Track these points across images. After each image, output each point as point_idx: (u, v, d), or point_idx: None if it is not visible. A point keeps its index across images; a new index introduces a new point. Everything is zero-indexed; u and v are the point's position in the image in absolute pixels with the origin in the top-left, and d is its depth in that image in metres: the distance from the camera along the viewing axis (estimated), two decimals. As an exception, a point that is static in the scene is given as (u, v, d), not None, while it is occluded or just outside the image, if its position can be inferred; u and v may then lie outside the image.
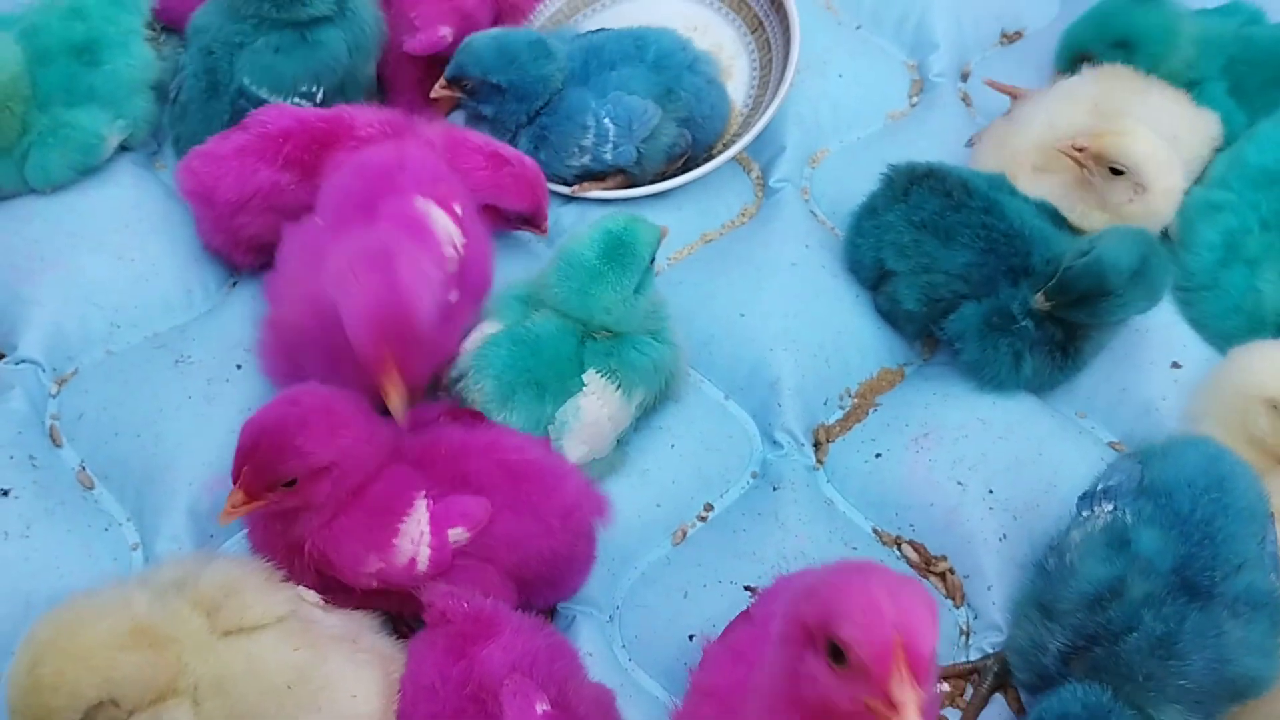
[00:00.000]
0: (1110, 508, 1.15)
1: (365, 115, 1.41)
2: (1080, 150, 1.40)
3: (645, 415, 1.34)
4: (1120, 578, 1.08)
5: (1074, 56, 1.60)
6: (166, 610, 0.99)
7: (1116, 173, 1.40)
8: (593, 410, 1.24)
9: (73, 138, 1.46)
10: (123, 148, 1.54)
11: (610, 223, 1.27)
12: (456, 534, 1.09)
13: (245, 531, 1.15)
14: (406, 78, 1.59)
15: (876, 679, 0.76)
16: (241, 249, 1.42)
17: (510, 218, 1.45)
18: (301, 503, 1.05)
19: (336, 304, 1.07)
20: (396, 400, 1.08)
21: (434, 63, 1.55)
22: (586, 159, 1.50)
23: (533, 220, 1.45)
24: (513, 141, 1.50)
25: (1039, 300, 1.32)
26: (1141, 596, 1.07)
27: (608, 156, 1.49)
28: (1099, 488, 1.19)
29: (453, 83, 1.48)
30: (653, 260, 1.28)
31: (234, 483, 1.04)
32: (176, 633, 0.98)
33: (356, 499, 1.08)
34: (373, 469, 1.09)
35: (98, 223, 1.48)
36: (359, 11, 1.49)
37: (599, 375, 1.25)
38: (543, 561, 1.13)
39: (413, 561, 1.07)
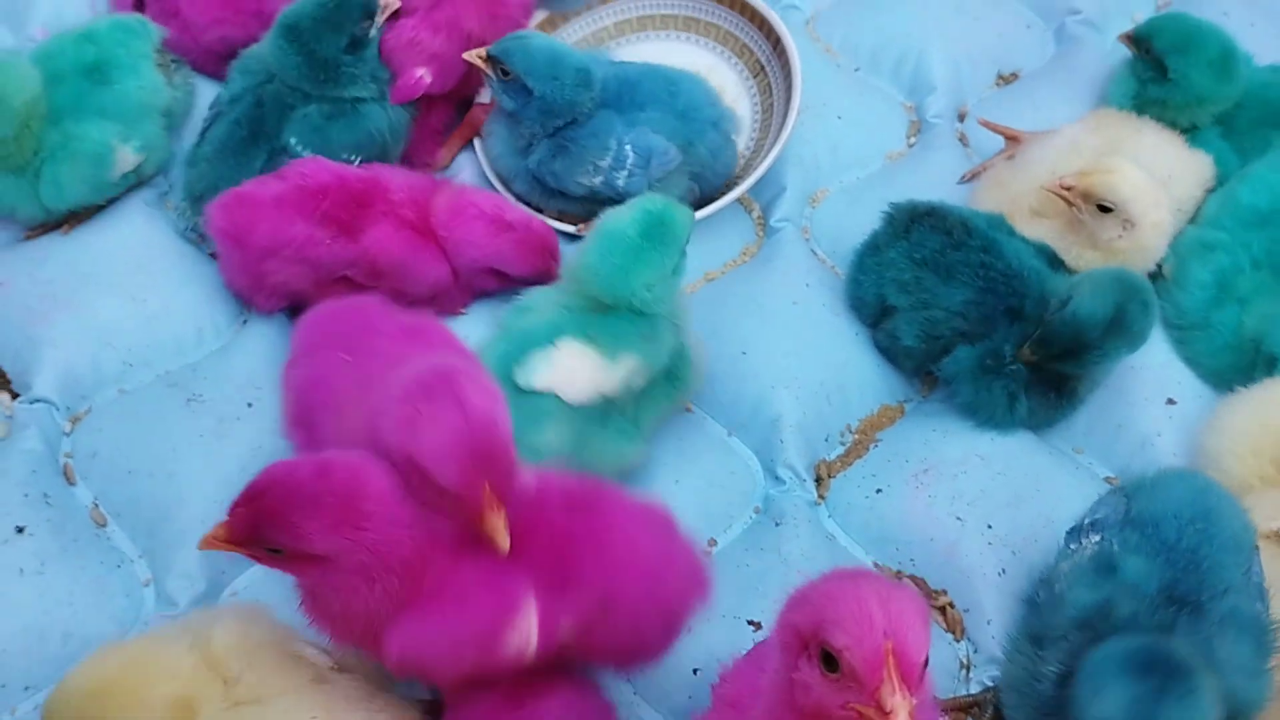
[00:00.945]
0: (1097, 539, 1.17)
1: (398, 178, 1.45)
2: (1068, 189, 1.42)
3: (656, 413, 1.33)
4: (1107, 600, 1.10)
5: (1142, 39, 1.61)
6: (196, 675, 0.98)
7: (1105, 210, 1.42)
8: (564, 362, 1.24)
9: (83, 150, 1.48)
10: (135, 181, 1.56)
11: (649, 202, 1.27)
12: (566, 631, 1.03)
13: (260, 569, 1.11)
14: (418, 134, 1.63)
15: (868, 686, 0.76)
16: (265, 293, 1.45)
17: (515, 279, 1.47)
18: (290, 572, 0.99)
19: (408, 452, 0.97)
20: (500, 528, 0.98)
21: (429, 105, 1.60)
22: (598, 180, 1.51)
23: (542, 280, 1.45)
24: (529, 147, 1.52)
25: (1025, 353, 1.35)
26: (1128, 615, 1.08)
27: (619, 182, 1.50)
28: (1086, 521, 1.21)
29: (493, 60, 1.48)
30: (687, 243, 1.29)
31: (229, 512, 0.97)
32: (201, 697, 0.98)
33: (441, 589, 0.99)
34: (426, 558, 0.99)
35: (110, 263, 1.50)
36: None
37: (573, 338, 1.25)
38: (624, 653, 1.11)
39: (518, 655, 1.01)
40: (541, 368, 1.24)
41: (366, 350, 1.21)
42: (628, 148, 1.49)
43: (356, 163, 1.51)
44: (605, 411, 1.28)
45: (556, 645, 1.03)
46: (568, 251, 1.52)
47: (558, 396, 1.24)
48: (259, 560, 0.97)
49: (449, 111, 1.66)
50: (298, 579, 1.01)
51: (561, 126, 1.50)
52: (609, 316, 1.26)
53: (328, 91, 1.50)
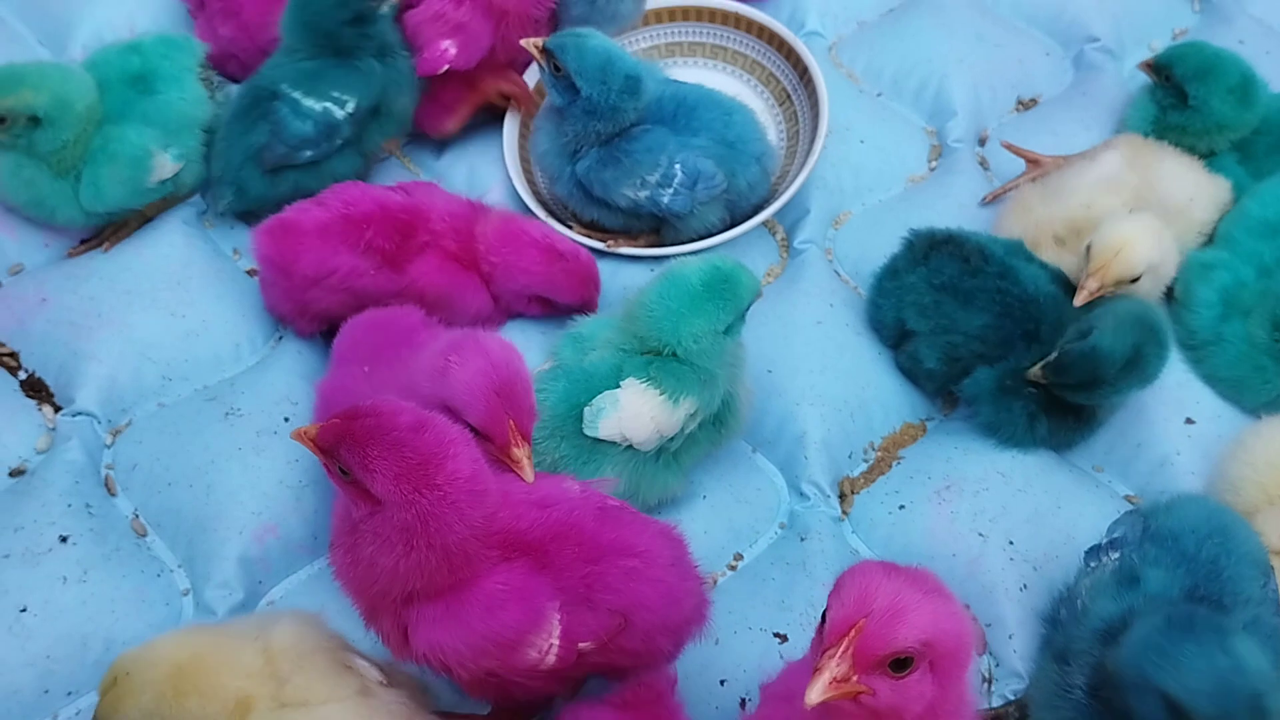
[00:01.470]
0: (1117, 555, 1.20)
1: (438, 205, 1.46)
2: (1098, 289, 1.38)
3: (697, 452, 1.36)
4: (1130, 610, 1.12)
5: (1163, 66, 1.63)
6: (259, 674, 1.01)
7: (1134, 280, 1.41)
8: (631, 403, 1.26)
9: (122, 152, 1.52)
10: (172, 190, 1.60)
11: (720, 260, 1.29)
12: (585, 646, 1.07)
13: (332, 566, 1.10)
14: (426, 104, 1.65)
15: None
16: (307, 318, 1.47)
17: (559, 306, 1.49)
18: (349, 498, 1.02)
19: (441, 396, 1.12)
20: (525, 459, 1.10)
21: (446, 82, 1.62)
22: (644, 194, 1.52)
23: (583, 309, 1.48)
24: (577, 152, 1.53)
25: (1035, 372, 1.36)
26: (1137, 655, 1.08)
27: (664, 199, 1.52)
28: (1105, 540, 1.24)
29: (548, 52, 1.48)
30: (747, 309, 1.30)
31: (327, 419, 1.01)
32: (256, 696, 1.00)
33: (471, 588, 1.03)
34: (469, 556, 1.02)
35: (151, 280, 1.53)
36: (400, 59, 1.57)
37: (637, 380, 1.27)
38: (629, 666, 1.12)
39: (536, 662, 1.05)
40: (610, 410, 1.26)
41: (392, 361, 1.26)
42: (677, 166, 1.51)
43: (351, 106, 1.53)
44: (658, 450, 1.31)
45: (575, 658, 1.06)
46: (618, 281, 1.56)
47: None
48: (329, 473, 1.01)
49: (462, 86, 1.66)
50: (336, 528, 1.05)
51: (613, 135, 1.51)
52: (669, 361, 1.28)
53: (323, 56, 1.52)
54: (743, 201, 1.59)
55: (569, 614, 1.05)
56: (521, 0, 1.60)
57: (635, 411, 1.26)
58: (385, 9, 1.52)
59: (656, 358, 1.28)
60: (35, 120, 1.46)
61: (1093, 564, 1.23)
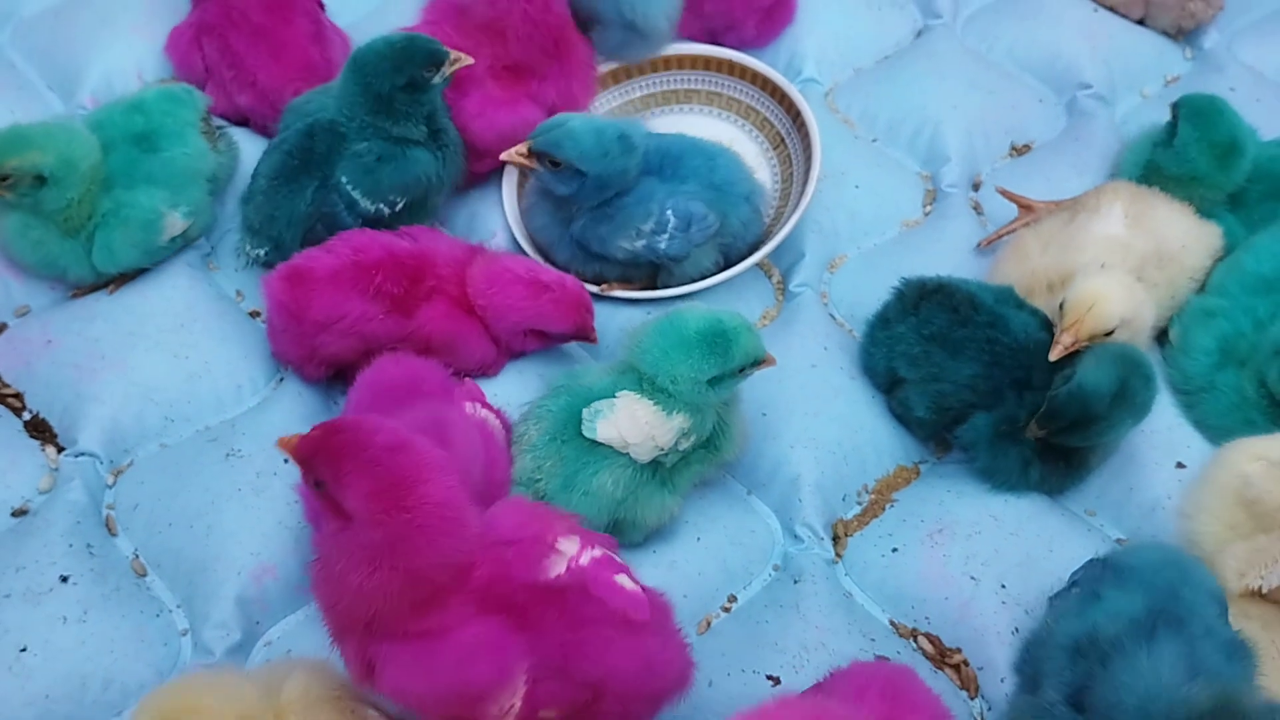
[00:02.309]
0: (1078, 591, 1.22)
1: (442, 250, 1.49)
2: (1072, 345, 1.40)
3: (692, 474, 1.38)
4: (1094, 625, 1.14)
5: (1176, 104, 1.65)
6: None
7: (1108, 334, 1.42)
8: (627, 407, 1.30)
9: (134, 216, 1.55)
10: (182, 244, 1.63)
11: (726, 315, 1.31)
12: (548, 714, 1.06)
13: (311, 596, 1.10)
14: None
15: None
16: (315, 364, 1.49)
17: (555, 336, 1.52)
18: (321, 511, 1.04)
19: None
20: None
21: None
22: (640, 244, 1.55)
23: (580, 336, 1.51)
24: (574, 217, 1.56)
25: (1033, 429, 1.38)
26: (1113, 636, 1.11)
27: (661, 246, 1.55)
28: (1067, 584, 1.26)
29: (539, 155, 1.51)
30: (742, 371, 1.32)
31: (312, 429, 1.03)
32: None
33: (444, 638, 1.02)
34: (438, 589, 1.02)
35: (155, 322, 1.55)
36: (450, 146, 1.60)
37: (631, 392, 1.31)
38: None
39: (497, 717, 1.05)
40: (607, 412, 1.30)
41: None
42: (669, 212, 1.54)
43: (400, 206, 1.56)
44: (654, 467, 1.34)
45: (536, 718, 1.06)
46: (615, 324, 1.59)
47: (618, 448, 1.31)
48: (306, 483, 1.03)
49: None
50: (316, 543, 1.06)
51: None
52: (666, 392, 1.31)
53: (379, 123, 1.54)
54: (738, 242, 1.61)
55: (538, 681, 1.04)
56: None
57: (630, 414, 1.30)
58: (437, 79, 1.54)
59: (650, 382, 1.32)
60: (40, 180, 1.49)
61: (1056, 604, 1.25)
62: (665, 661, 1.11)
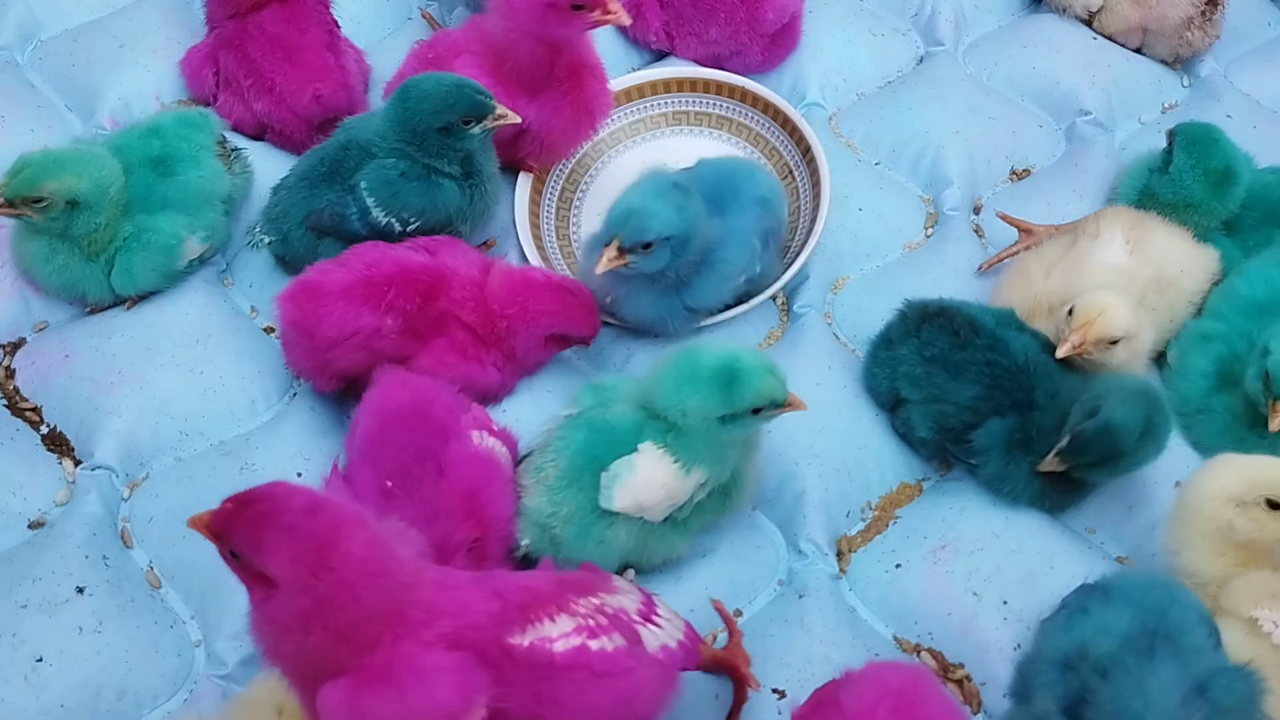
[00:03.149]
0: (1065, 611, 1.24)
1: (461, 273, 1.48)
2: (1080, 345, 1.42)
3: (704, 519, 1.39)
4: (1084, 640, 1.16)
5: (1173, 131, 1.68)
6: None
7: (1113, 342, 1.45)
8: (647, 468, 1.29)
9: (155, 241, 1.58)
10: (199, 266, 1.66)
11: (745, 354, 1.30)
12: None
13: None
14: None
15: None
16: (326, 376, 1.50)
17: (569, 341, 1.53)
18: (243, 582, 1.02)
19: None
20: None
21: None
22: (742, 280, 1.58)
23: (589, 341, 1.53)
24: (680, 287, 1.53)
25: (1053, 463, 1.39)
26: (1104, 653, 1.13)
27: (756, 271, 1.58)
28: (1059, 605, 1.27)
29: (629, 249, 1.45)
30: (757, 412, 1.30)
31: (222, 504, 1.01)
32: None
33: (405, 662, 1.01)
34: (377, 636, 1.01)
35: (171, 338, 1.58)
36: (483, 186, 1.61)
37: (655, 445, 1.30)
38: None
39: None
40: (625, 476, 1.29)
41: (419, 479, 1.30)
42: (755, 240, 1.57)
43: (414, 226, 1.56)
44: (668, 515, 1.35)
45: None
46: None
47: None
48: (224, 557, 1.01)
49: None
50: (249, 595, 1.04)
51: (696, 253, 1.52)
52: (684, 432, 1.30)
53: (410, 152, 1.55)
54: (760, 283, 1.63)
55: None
56: None
57: (649, 477, 1.29)
58: (476, 130, 1.54)
59: (673, 426, 1.31)
60: (72, 204, 1.51)
61: (1046, 625, 1.27)
62: (636, 687, 1.12)
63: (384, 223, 1.56)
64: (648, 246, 1.45)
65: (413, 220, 1.57)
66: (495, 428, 1.42)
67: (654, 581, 1.40)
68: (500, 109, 1.53)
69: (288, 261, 1.64)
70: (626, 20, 1.56)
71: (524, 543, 1.34)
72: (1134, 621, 1.15)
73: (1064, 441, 1.38)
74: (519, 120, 1.56)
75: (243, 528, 0.98)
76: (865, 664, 1.15)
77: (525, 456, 1.40)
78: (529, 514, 1.33)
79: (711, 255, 1.54)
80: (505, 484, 1.35)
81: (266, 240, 1.63)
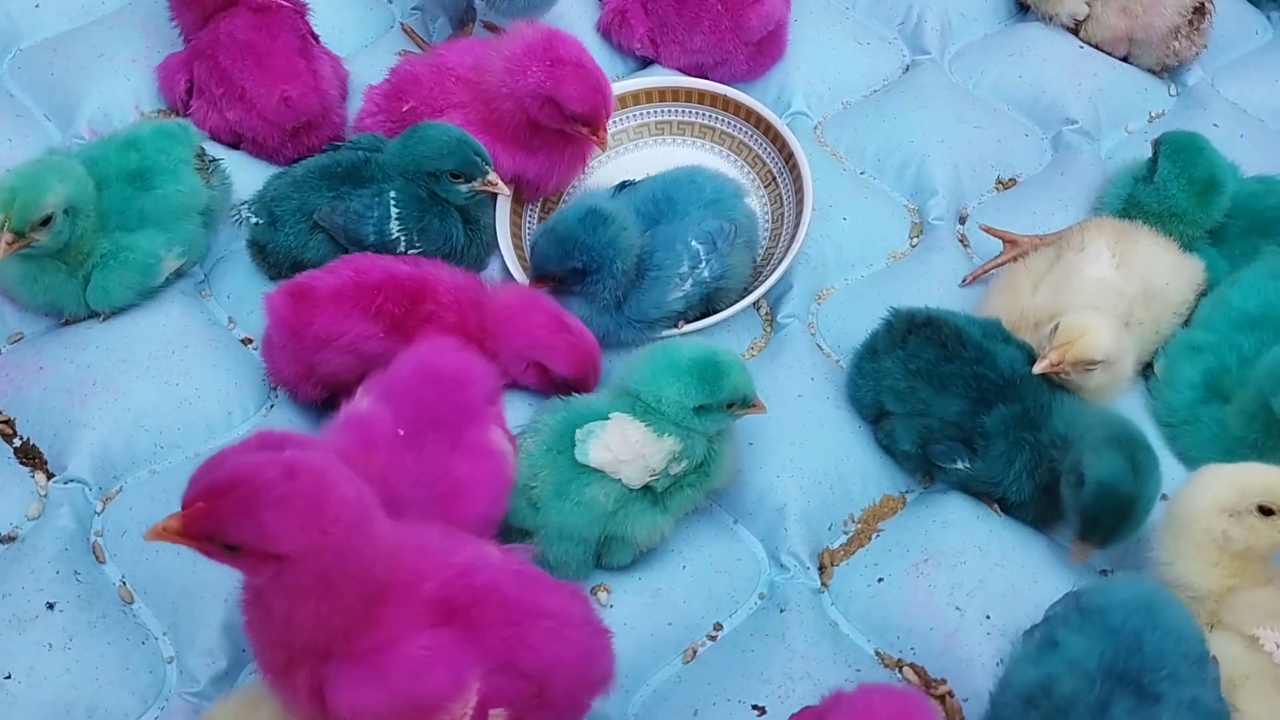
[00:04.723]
0: (1045, 628, 1.22)
1: (445, 280, 1.50)
2: (1058, 365, 1.42)
3: (683, 499, 1.40)
4: (1049, 676, 1.14)
5: (1158, 140, 1.67)
6: None
7: (1091, 365, 1.43)
8: (619, 426, 1.34)
9: (133, 260, 1.56)
10: (175, 280, 1.64)
11: (724, 352, 1.37)
12: (497, 714, 1.08)
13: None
14: None
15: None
16: (311, 382, 1.49)
17: (554, 380, 1.51)
18: (244, 570, 1.02)
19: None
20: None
21: None
22: (688, 285, 1.58)
23: (580, 388, 1.51)
24: (620, 304, 1.57)
25: (1082, 551, 1.37)
26: (1069, 693, 1.12)
27: (705, 275, 1.58)
28: (1041, 620, 1.25)
29: (542, 279, 1.56)
30: (730, 406, 1.36)
31: (181, 507, 0.98)
32: None
33: (395, 650, 1.03)
34: (386, 580, 1.04)
35: (146, 349, 1.56)
36: (480, 235, 1.65)
37: (623, 414, 1.35)
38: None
39: None
40: (599, 433, 1.34)
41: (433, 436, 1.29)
42: (693, 243, 1.57)
43: (417, 250, 1.58)
44: (644, 488, 1.36)
45: None
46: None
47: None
48: (210, 555, 0.99)
49: None
50: (246, 581, 1.04)
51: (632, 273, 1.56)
52: (659, 414, 1.35)
53: (418, 178, 1.59)
54: (724, 287, 1.63)
55: (488, 680, 1.06)
56: None
57: (622, 433, 1.33)
58: (463, 187, 1.59)
59: (649, 408, 1.35)
60: (70, 211, 1.49)
61: (1024, 642, 1.25)
62: (599, 647, 1.17)
63: (394, 236, 1.58)
64: (555, 278, 1.54)
65: (418, 244, 1.59)
66: (510, 432, 1.41)
67: (631, 593, 1.39)
68: (492, 176, 1.59)
69: (265, 251, 1.64)
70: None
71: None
72: (1105, 654, 1.13)
73: (1077, 526, 1.36)
74: (508, 193, 1.65)
75: (233, 518, 0.96)
76: (857, 686, 1.13)
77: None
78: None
79: (644, 266, 1.57)
80: (505, 491, 1.33)
81: (254, 221, 1.63)
